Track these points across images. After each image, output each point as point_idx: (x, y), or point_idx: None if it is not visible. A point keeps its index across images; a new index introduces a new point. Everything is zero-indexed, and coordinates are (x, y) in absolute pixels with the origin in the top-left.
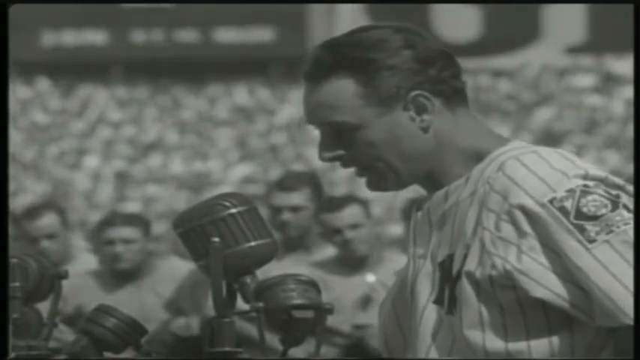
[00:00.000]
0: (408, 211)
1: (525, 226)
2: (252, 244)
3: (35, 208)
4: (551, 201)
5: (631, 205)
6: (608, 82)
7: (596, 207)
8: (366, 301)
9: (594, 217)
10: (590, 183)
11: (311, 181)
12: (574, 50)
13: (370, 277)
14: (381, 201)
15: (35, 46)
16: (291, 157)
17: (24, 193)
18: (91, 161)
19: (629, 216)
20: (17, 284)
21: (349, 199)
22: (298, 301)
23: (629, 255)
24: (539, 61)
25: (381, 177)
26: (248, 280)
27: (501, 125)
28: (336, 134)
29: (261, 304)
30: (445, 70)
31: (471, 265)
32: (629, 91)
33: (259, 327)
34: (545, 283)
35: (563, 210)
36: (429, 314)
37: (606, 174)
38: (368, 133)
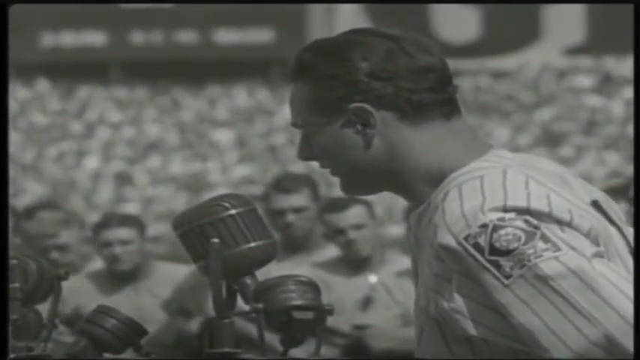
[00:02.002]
0: (409, 212)
1: (451, 264)
2: (252, 244)
3: (31, 207)
4: (466, 238)
5: (554, 235)
6: (607, 82)
7: (507, 241)
8: (366, 302)
9: (507, 252)
10: (507, 215)
11: (308, 181)
12: (573, 51)
13: (372, 278)
14: (382, 201)
15: (34, 47)
16: (290, 158)
17: (23, 195)
18: (91, 162)
19: (544, 247)
20: (17, 285)
21: (353, 199)
22: (298, 302)
23: (546, 289)
24: (538, 61)
25: (344, 181)
26: (248, 280)
27: (501, 126)
28: (305, 136)
29: (260, 305)
30: (404, 84)
31: (425, 300)
32: (628, 92)
33: (259, 328)
34: (481, 320)
35: (477, 247)
36: (424, 342)
37: (528, 204)
38: (319, 139)
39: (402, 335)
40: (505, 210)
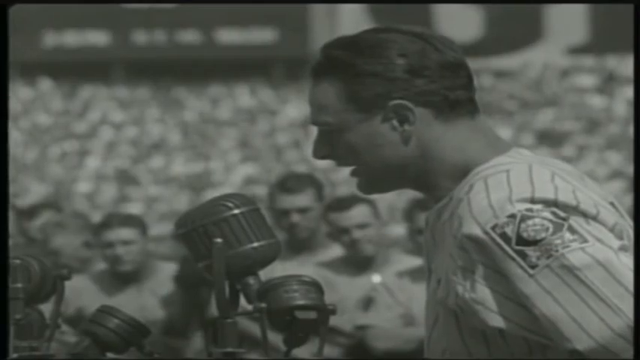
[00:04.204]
0: (410, 212)
1: (475, 254)
2: (255, 244)
3: (34, 207)
4: (493, 228)
5: (581, 228)
6: (609, 82)
7: (535, 231)
8: (368, 302)
9: (534, 242)
10: (535, 206)
11: (313, 181)
12: (576, 50)
13: (376, 278)
14: (385, 201)
15: (37, 47)
16: (294, 158)
17: (26, 194)
18: (93, 162)
19: (571, 238)
20: (20, 285)
21: (357, 198)
22: (301, 302)
23: (571, 279)
24: (541, 61)
25: (367, 180)
26: (251, 280)
27: (503, 125)
28: (326, 134)
29: (264, 305)
30: (441, 81)
31: (444, 292)
32: (630, 92)
33: (262, 327)
34: (502, 312)
35: (504, 236)
36: (437, 335)
37: (556, 196)
38: (349, 137)
39: (404, 335)
40: (533, 201)
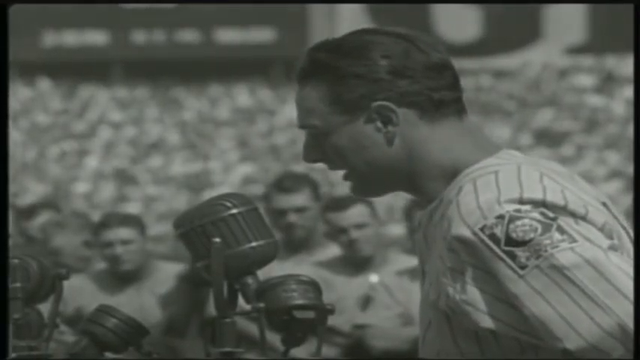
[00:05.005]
0: (409, 211)
1: (464, 256)
2: (254, 244)
3: (33, 207)
4: (482, 229)
5: (570, 227)
6: (608, 82)
7: (524, 232)
8: (366, 302)
9: (523, 243)
10: (524, 207)
11: (309, 181)
12: (575, 50)
13: (373, 278)
14: (383, 201)
15: (36, 46)
16: (292, 158)
17: (25, 194)
18: (92, 162)
19: (560, 238)
20: (18, 285)
21: (355, 198)
22: (299, 302)
23: (561, 279)
24: (540, 61)
25: (359, 183)
26: (249, 280)
27: (502, 125)
28: (314, 137)
29: (262, 305)
30: (425, 81)
31: (435, 294)
32: (629, 91)
33: (260, 327)
34: (492, 312)
35: (493, 237)
36: (430, 338)
37: (544, 197)
38: (335, 139)
39: (402, 335)
40: (521, 202)
